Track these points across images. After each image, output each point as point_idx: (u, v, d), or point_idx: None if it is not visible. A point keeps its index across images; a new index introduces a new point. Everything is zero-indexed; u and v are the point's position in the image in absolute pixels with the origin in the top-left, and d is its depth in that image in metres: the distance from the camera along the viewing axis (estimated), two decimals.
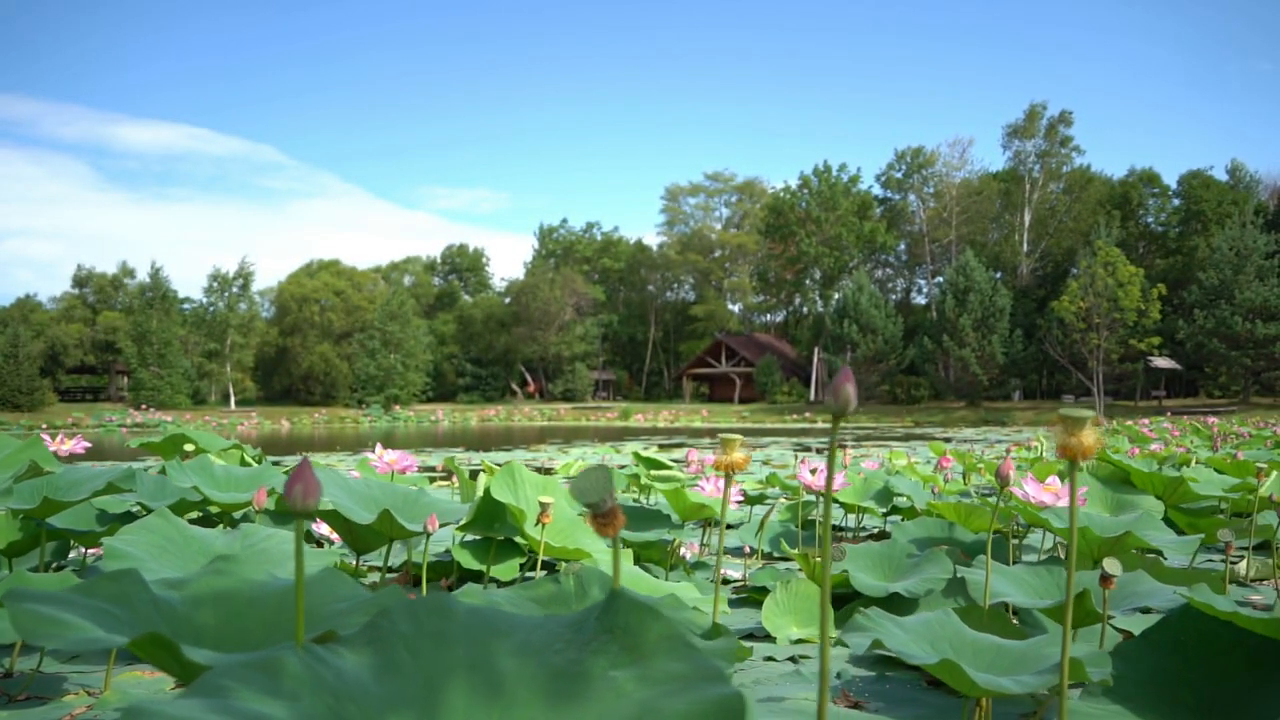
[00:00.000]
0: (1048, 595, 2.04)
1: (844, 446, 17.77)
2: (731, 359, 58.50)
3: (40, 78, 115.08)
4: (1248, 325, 37.27)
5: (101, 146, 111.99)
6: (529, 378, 62.22)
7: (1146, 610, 2.39)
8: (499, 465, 2.85)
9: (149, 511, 2.97)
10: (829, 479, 0.94)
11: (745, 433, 28.35)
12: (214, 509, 2.70)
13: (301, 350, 55.73)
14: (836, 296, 49.88)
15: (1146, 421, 23.67)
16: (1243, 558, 3.59)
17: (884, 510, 4.48)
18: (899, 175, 54.97)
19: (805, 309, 58.36)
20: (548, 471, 9.93)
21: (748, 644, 2.63)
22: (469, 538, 3.00)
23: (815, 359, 52.26)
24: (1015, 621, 2.23)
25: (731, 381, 57.89)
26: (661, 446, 16.08)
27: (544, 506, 2.09)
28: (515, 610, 1.36)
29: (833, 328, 47.15)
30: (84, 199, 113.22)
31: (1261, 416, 26.62)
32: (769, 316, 66.58)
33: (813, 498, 4.90)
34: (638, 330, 66.97)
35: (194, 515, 3.48)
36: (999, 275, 50.33)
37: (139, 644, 0.90)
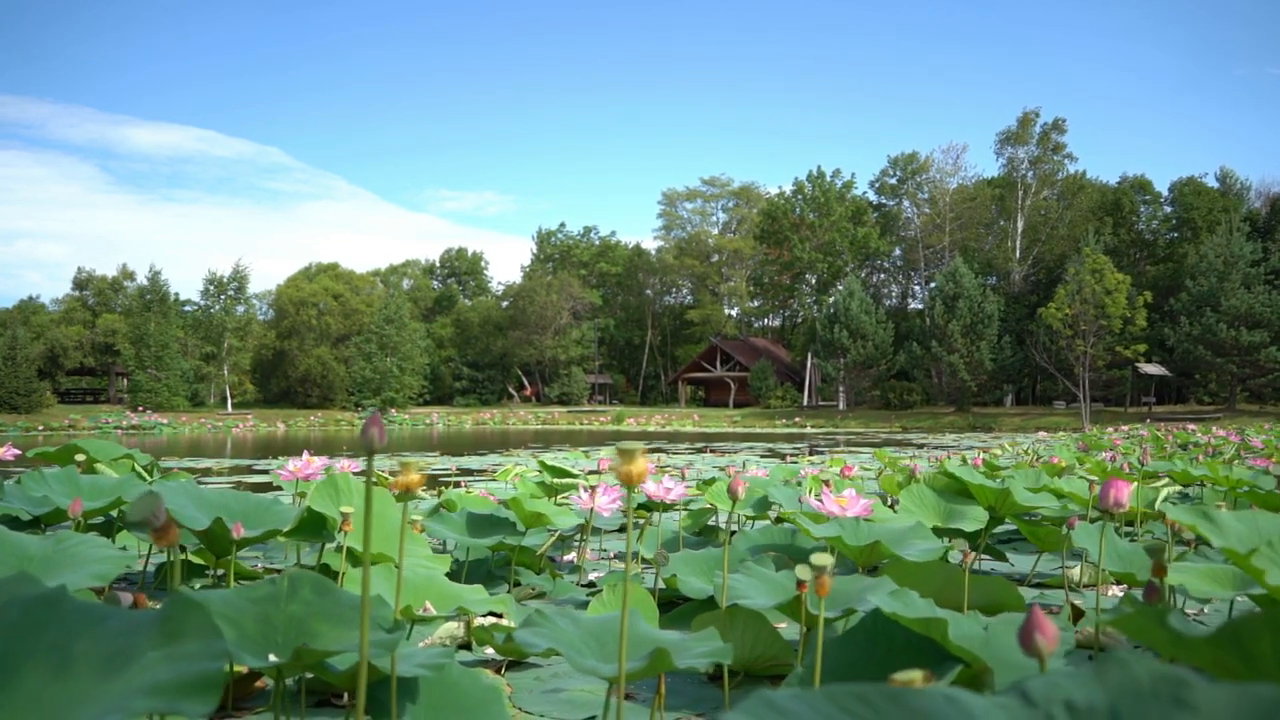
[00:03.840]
0: (788, 596, 2.27)
1: (821, 450, 18.01)
2: (726, 363, 58.70)
3: (49, 80, 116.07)
4: (1232, 332, 37.42)
5: (109, 148, 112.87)
6: (526, 381, 62.49)
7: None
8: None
9: (34, 518, 3.22)
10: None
11: (734, 437, 28.26)
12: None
13: (299, 353, 56.03)
14: (831, 301, 50.12)
15: (1126, 428, 23.88)
16: (1076, 565, 3.83)
17: (775, 517, 4.72)
18: (893, 181, 55.21)
19: (801, 314, 58.57)
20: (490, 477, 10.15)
21: None
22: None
23: (808, 364, 52.47)
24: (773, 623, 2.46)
25: (726, 386, 58.09)
26: None
27: (345, 516, 2.33)
28: (225, 609, 1.60)
29: (824, 333, 47.37)
30: (92, 201, 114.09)
31: (1243, 424, 26.78)
32: (765, 321, 66.84)
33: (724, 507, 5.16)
34: (634, 334, 67.22)
35: (98, 521, 3.73)
36: (992, 281, 50.51)
37: None
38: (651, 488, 3.39)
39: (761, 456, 15.00)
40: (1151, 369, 41.82)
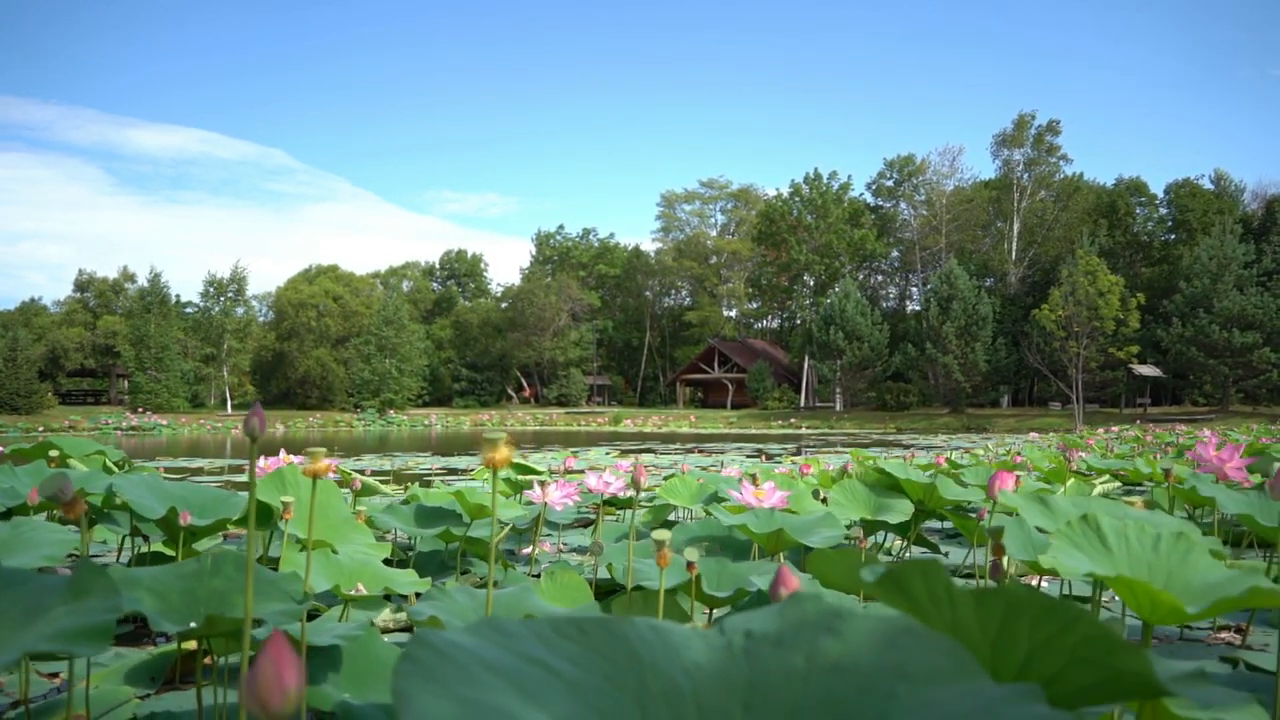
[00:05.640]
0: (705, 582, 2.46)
1: (809, 451, 18.20)
2: (725, 365, 58.91)
3: (53, 82, 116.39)
4: (1225, 334, 37.57)
5: (114, 150, 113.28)
6: (524, 382, 62.71)
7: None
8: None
9: (7, 510, 3.41)
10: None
11: (728, 438, 28.42)
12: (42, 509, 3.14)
13: (298, 355, 56.29)
14: (827, 303, 50.32)
15: (1117, 429, 24.05)
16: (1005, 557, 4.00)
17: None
18: (890, 183, 55.42)
19: (799, 315, 58.80)
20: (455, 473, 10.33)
21: None
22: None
23: (806, 365, 52.65)
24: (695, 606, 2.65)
25: (724, 387, 58.29)
26: (623, 452, 16.51)
27: (285, 505, 2.52)
28: (153, 583, 1.79)
29: (819, 335, 47.58)
30: (96, 202, 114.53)
31: (1234, 424, 26.93)
32: (763, 323, 67.02)
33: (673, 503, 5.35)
34: (633, 335, 67.43)
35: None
36: (989, 282, 50.69)
37: None
38: (592, 482, 3.58)
39: (748, 456, 15.19)
40: (1146, 370, 41.97)
